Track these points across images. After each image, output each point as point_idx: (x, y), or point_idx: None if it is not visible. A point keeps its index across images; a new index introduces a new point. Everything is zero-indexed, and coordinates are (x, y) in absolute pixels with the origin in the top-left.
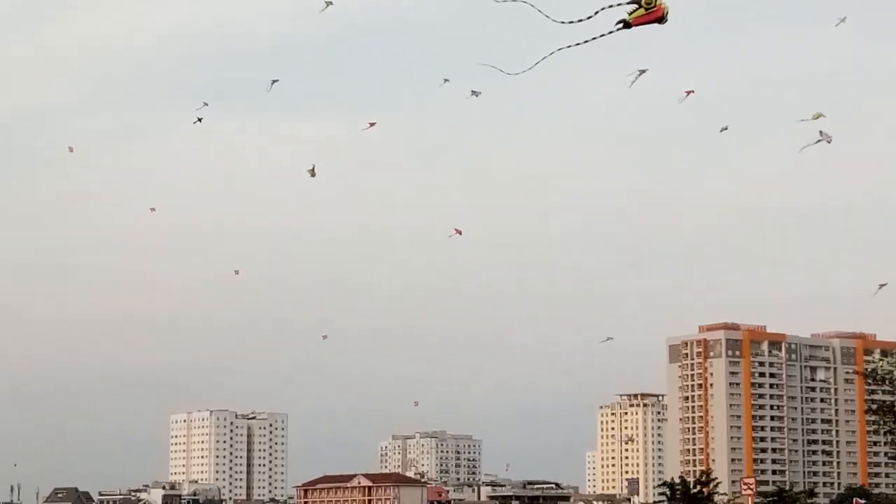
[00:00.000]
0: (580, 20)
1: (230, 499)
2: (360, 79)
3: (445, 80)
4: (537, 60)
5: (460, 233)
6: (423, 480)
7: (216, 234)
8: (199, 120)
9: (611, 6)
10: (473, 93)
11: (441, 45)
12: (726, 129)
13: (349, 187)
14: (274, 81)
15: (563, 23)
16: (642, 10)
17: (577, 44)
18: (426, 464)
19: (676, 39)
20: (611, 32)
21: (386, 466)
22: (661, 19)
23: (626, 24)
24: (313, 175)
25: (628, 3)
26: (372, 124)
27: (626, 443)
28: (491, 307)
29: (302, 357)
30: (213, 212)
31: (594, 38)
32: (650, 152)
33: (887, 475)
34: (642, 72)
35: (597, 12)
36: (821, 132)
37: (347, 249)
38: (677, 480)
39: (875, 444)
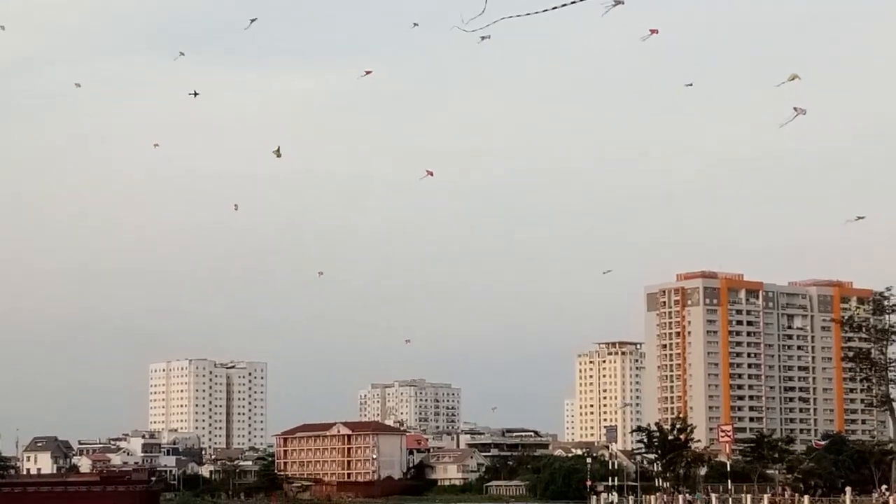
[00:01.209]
0: None
1: (210, 447)
2: (335, 29)
3: (415, 24)
4: (534, 11)
5: (432, 174)
6: (402, 429)
7: (196, 183)
8: (196, 94)
9: None
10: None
11: None
12: (690, 85)
13: (332, 136)
14: (252, 20)
15: None
16: None
17: (555, 7)
18: (405, 412)
19: None
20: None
21: (365, 415)
22: None
23: None
24: (279, 156)
25: None
26: (368, 72)
27: (624, 407)
28: (469, 255)
29: (281, 306)
30: (192, 161)
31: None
32: (627, 100)
33: (863, 422)
34: (617, 2)
35: None
36: (795, 108)
37: (325, 197)
38: (653, 427)
39: (851, 391)
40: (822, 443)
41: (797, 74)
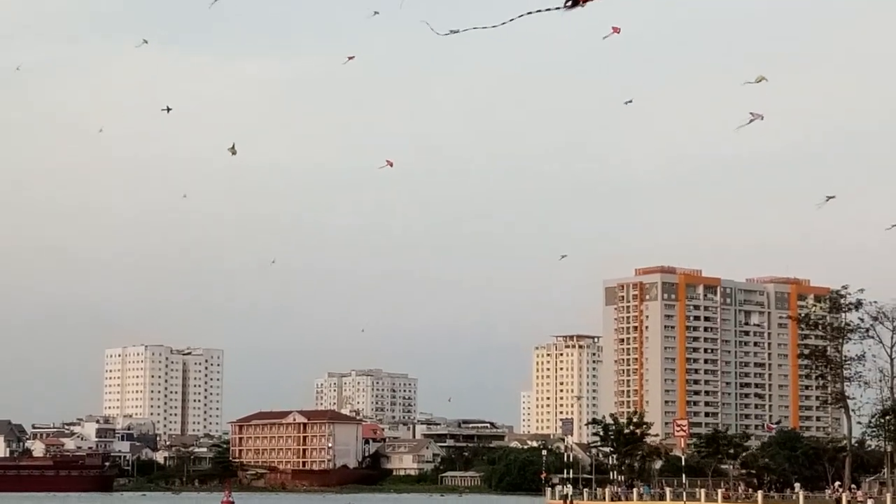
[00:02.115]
0: None
1: (164, 434)
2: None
3: (375, 13)
4: (500, 23)
5: (391, 164)
6: (358, 418)
7: (153, 167)
8: (168, 109)
9: None
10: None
11: None
12: (630, 102)
13: (289, 123)
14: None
15: None
16: None
17: (521, 15)
18: (362, 401)
19: None
20: (557, 8)
21: (321, 404)
22: None
23: (576, 2)
24: (234, 153)
25: None
26: (351, 58)
27: (578, 399)
28: (429, 245)
29: (238, 293)
30: (151, 145)
31: (548, 10)
32: (589, 94)
33: (818, 419)
34: (572, 5)
35: None
36: (751, 113)
37: (280, 185)
38: (609, 420)
39: (807, 387)
40: (774, 426)
41: (764, 76)
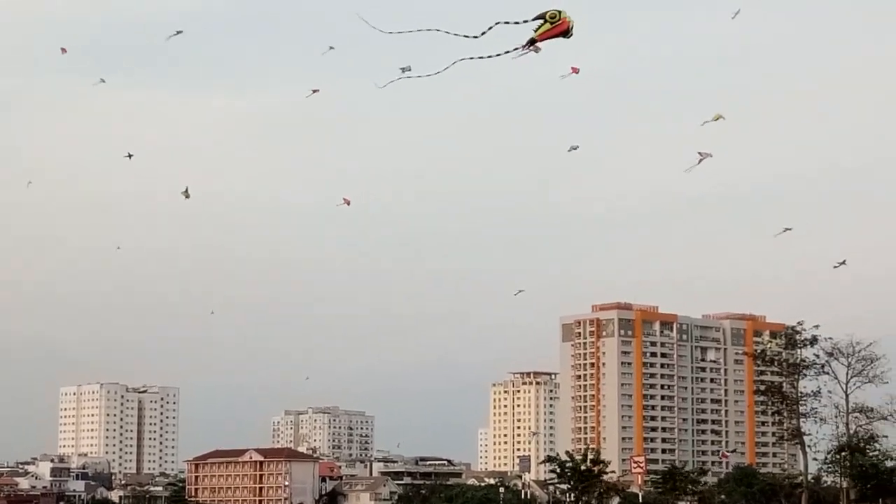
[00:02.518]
0: (475, 36)
1: (120, 472)
2: (255, 53)
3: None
4: (443, 68)
5: (349, 203)
6: (315, 456)
7: (105, 204)
8: (130, 156)
9: (515, 22)
10: (403, 69)
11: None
12: (576, 148)
13: (237, 159)
14: (178, 32)
15: (465, 37)
16: (547, 25)
17: (482, 57)
18: (318, 439)
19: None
20: (515, 49)
21: (278, 441)
22: (566, 33)
23: (532, 42)
24: (187, 197)
25: (533, 20)
26: (315, 91)
27: (533, 436)
28: (384, 281)
29: (194, 331)
30: (109, 181)
31: (499, 55)
32: (546, 133)
33: (774, 454)
34: (531, 44)
35: (490, 28)
36: (699, 153)
37: (238, 221)
38: (564, 457)
39: (763, 423)
40: (729, 454)
41: (721, 115)
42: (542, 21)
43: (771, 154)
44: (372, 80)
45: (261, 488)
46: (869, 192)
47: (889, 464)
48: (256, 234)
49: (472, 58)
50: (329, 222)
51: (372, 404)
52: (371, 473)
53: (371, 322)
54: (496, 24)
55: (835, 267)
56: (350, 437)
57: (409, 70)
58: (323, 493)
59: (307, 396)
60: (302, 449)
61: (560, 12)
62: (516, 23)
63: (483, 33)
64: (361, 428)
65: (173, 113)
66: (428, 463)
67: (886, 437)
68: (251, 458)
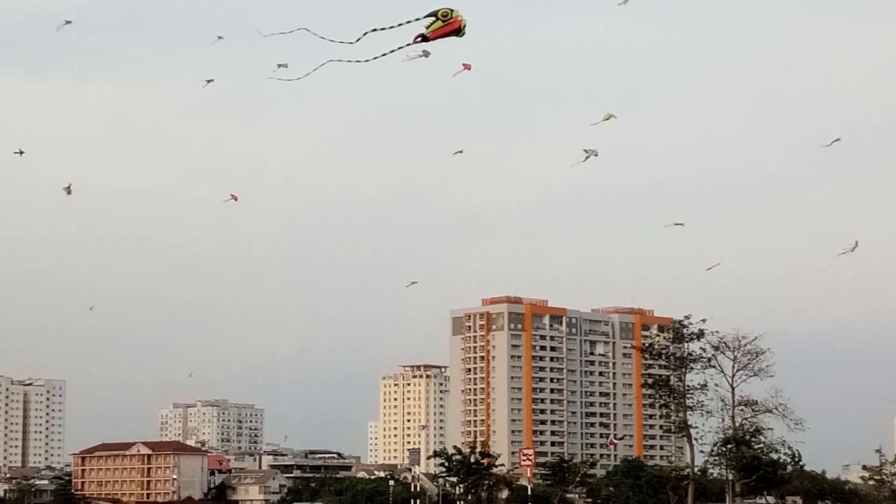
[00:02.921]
0: (350, 42)
1: (4, 466)
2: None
3: (219, 38)
4: (315, 68)
5: (236, 198)
6: (203, 449)
7: None
8: (21, 152)
9: (390, 27)
10: (280, 65)
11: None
12: (460, 152)
13: (126, 150)
14: (67, 22)
15: (340, 42)
16: (440, 23)
17: (368, 59)
18: (207, 432)
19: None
20: (408, 45)
21: (166, 434)
22: (459, 31)
23: (425, 38)
24: (69, 193)
25: (425, 17)
26: (209, 81)
27: (422, 428)
28: (274, 274)
29: (81, 323)
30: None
31: (392, 51)
32: (438, 127)
33: (662, 447)
34: (423, 40)
35: (365, 33)
36: (585, 150)
37: (125, 213)
38: (453, 451)
39: (651, 416)
40: (616, 441)
41: (613, 114)
42: (434, 19)
43: (660, 151)
44: (257, 74)
45: (148, 482)
46: (752, 191)
47: (773, 456)
48: (143, 227)
49: (349, 61)
50: (220, 214)
51: (262, 397)
52: (260, 466)
53: (261, 315)
54: (371, 30)
55: (708, 269)
56: (239, 431)
57: (286, 67)
58: (212, 486)
59: (196, 389)
60: (190, 442)
61: (452, 10)
62: (391, 27)
63: (358, 39)
64: (251, 421)
65: (61, 104)
66: (318, 456)
67: (771, 429)
68: (139, 451)
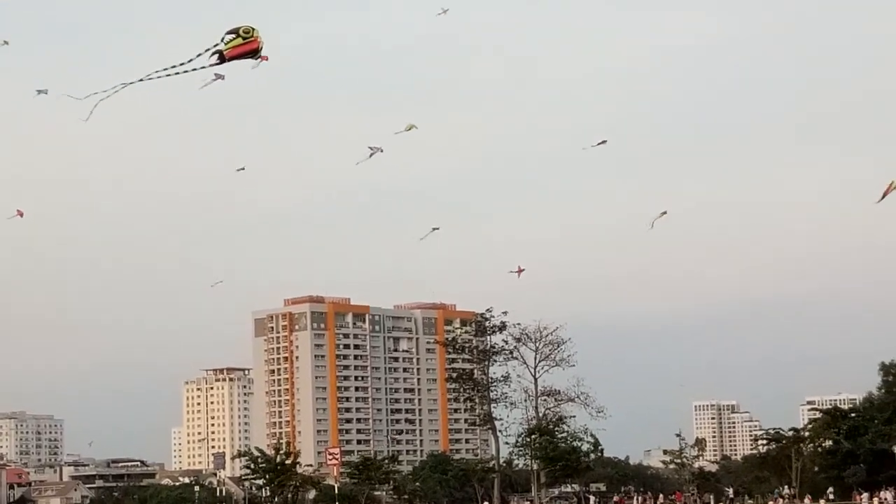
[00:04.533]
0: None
1: None
2: None
3: (5, 42)
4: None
5: (22, 214)
6: (1, 463)
7: None
8: None
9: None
10: (39, 91)
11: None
12: (242, 169)
13: None
14: None
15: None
16: (239, 40)
17: (162, 75)
18: (5, 445)
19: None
20: (203, 67)
21: None
22: (256, 53)
23: (221, 57)
24: None
25: (227, 34)
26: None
27: (203, 440)
28: (68, 285)
29: None
30: None
31: (186, 71)
32: (234, 126)
33: (467, 441)
34: (221, 59)
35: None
36: (370, 147)
37: None
38: (256, 452)
39: (455, 411)
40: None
41: (414, 125)
42: (234, 35)
43: (453, 146)
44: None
45: None
46: (552, 183)
47: (576, 444)
48: None
49: (141, 80)
50: (6, 225)
51: (61, 409)
52: (62, 478)
53: (57, 325)
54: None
55: (510, 272)
56: (39, 442)
57: (46, 92)
58: (11, 500)
59: None
60: None
61: (254, 30)
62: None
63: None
64: (50, 432)
65: None
66: (120, 465)
67: (574, 417)
68: None
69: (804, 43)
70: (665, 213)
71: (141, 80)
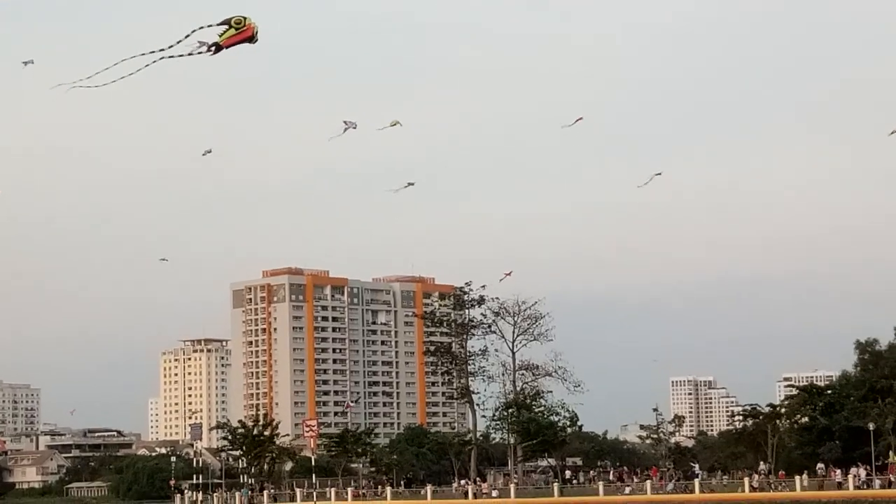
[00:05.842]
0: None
1: None
2: None
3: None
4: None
5: None
6: None
7: None
8: None
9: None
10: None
11: None
12: (209, 152)
13: None
14: None
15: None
16: (233, 31)
17: (148, 64)
18: None
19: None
20: (199, 53)
21: None
22: (252, 38)
23: (218, 47)
24: None
25: (219, 25)
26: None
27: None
28: (49, 253)
29: None
30: None
31: (189, 54)
32: (212, 101)
33: (444, 414)
34: (217, 49)
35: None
36: (345, 121)
37: None
38: (235, 424)
39: (433, 384)
40: (353, 404)
41: (398, 121)
42: (227, 27)
43: (432, 123)
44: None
45: None
46: (530, 161)
47: (553, 418)
48: None
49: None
50: None
51: (38, 378)
52: (38, 447)
53: (35, 292)
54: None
55: (501, 279)
56: (15, 411)
57: (32, 62)
58: None
59: None
60: None
61: (245, 18)
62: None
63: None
64: (27, 401)
65: None
66: (97, 435)
67: (551, 392)
68: None
69: (785, 24)
70: (660, 173)
71: (131, 69)
